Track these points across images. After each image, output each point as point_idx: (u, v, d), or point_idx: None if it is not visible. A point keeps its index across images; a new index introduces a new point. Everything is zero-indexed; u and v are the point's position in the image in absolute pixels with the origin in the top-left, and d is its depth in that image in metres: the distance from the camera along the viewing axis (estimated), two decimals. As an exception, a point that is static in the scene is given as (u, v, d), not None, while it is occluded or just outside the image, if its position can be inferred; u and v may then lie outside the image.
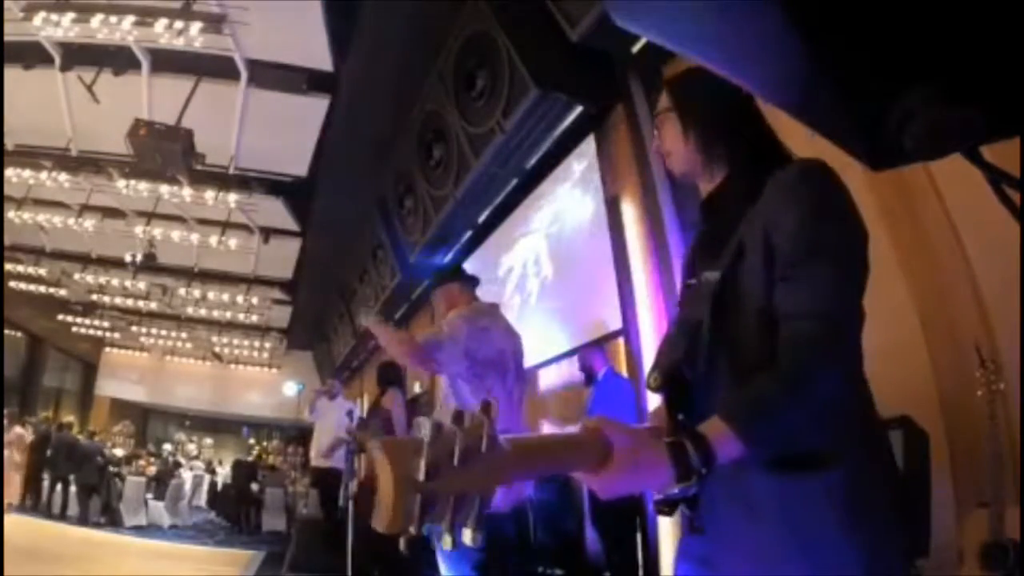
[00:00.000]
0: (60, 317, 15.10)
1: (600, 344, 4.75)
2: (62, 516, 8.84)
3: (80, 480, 9.13)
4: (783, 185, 1.02)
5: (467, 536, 0.68)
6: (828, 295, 0.93)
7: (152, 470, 11.10)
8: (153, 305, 13.60)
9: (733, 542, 0.99)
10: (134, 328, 16.03)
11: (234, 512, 11.16)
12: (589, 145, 5.00)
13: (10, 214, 9.07)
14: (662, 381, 1.05)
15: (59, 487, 9.25)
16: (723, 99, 1.15)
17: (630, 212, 4.48)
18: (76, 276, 12.08)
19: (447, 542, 0.68)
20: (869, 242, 1.01)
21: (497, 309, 2.78)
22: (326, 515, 5.99)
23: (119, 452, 11.50)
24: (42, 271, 12.07)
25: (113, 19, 5.37)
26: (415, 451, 0.65)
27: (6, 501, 8.15)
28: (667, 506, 0.99)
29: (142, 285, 12.38)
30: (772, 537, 0.94)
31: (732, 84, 1.13)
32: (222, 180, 7.92)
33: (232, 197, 8.14)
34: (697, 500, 1.01)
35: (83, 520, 8.82)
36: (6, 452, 9.13)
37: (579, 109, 4.93)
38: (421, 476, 0.64)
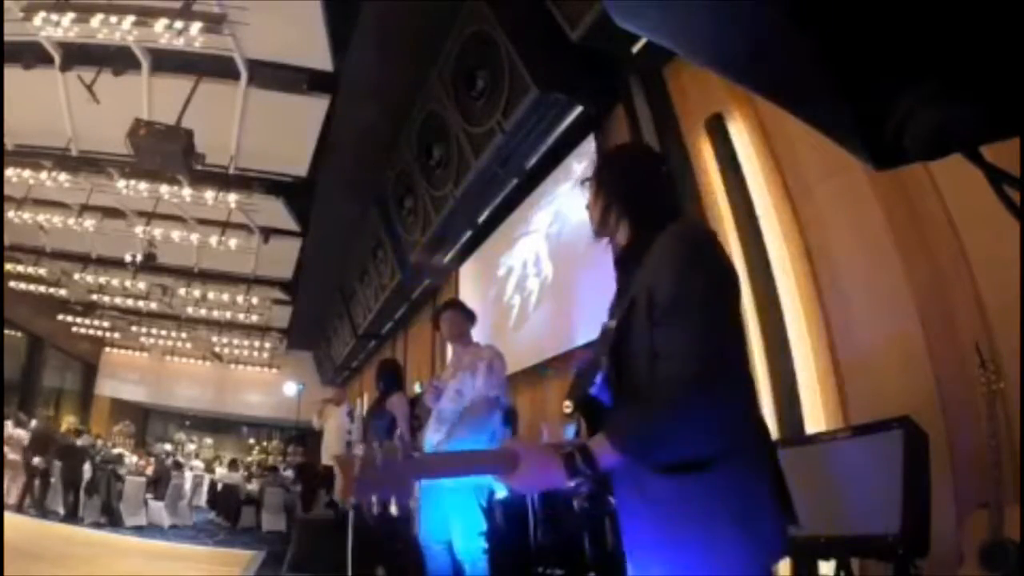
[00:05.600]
0: (60, 317, 15.10)
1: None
2: (40, 511, 8.81)
3: (64, 476, 9.11)
4: (661, 246, 1.25)
5: (392, 508, 1.12)
6: (692, 338, 1.14)
7: (151, 470, 11.08)
8: (153, 305, 13.60)
9: (640, 532, 1.24)
10: (134, 328, 16.03)
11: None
12: (589, 145, 5.00)
13: (10, 214, 9.06)
14: (573, 409, 1.29)
15: (51, 484, 9.21)
16: (630, 174, 1.45)
17: (630, 212, 4.47)
18: (76, 276, 12.08)
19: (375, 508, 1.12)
20: (737, 289, 1.26)
21: None
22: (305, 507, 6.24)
23: (117, 451, 11.48)
24: (42, 271, 12.07)
25: (113, 19, 5.37)
26: (353, 462, 1.13)
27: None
28: (590, 501, 1.27)
29: (142, 285, 12.38)
30: (668, 527, 1.18)
31: (643, 160, 1.52)
32: (222, 180, 7.92)
33: (232, 197, 8.14)
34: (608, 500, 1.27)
35: (70, 517, 8.81)
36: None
37: (579, 109, 4.93)
38: (355, 474, 1.11)
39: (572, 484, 1.16)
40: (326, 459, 6.64)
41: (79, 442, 10.05)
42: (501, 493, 3.21)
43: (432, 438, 3.25)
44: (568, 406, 1.29)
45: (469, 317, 3.58)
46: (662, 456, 1.15)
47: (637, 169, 1.47)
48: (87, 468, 9.34)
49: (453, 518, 3.09)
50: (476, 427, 3.12)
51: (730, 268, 1.26)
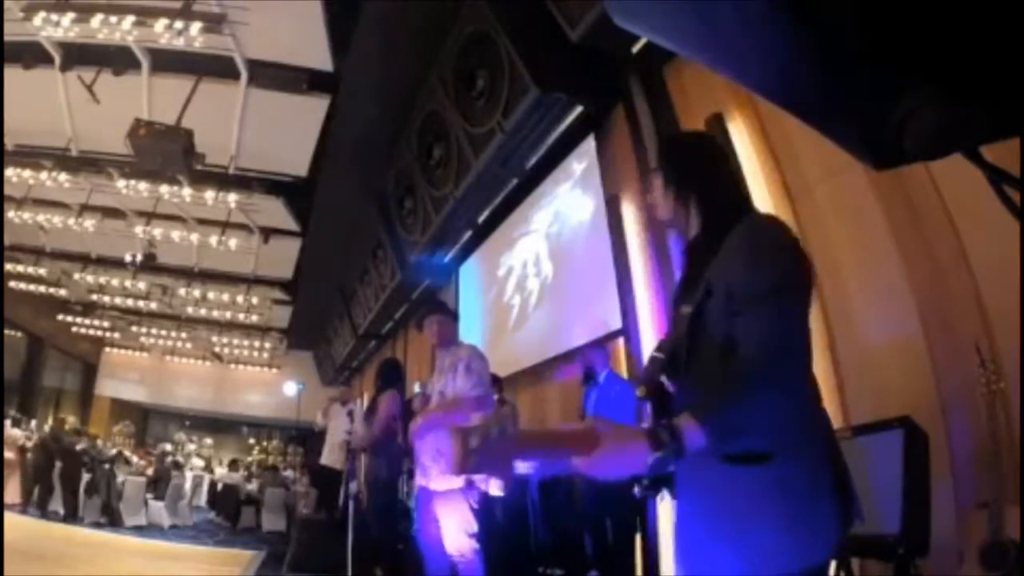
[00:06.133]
0: (60, 317, 15.10)
1: (600, 344, 4.75)
2: (41, 511, 8.81)
3: (63, 476, 9.10)
4: (738, 239, 1.27)
5: (494, 487, 1.86)
6: (768, 329, 1.17)
7: (151, 470, 11.06)
8: (153, 305, 13.60)
9: (693, 520, 1.28)
10: (134, 328, 16.03)
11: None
12: (589, 145, 5.00)
13: (10, 214, 9.06)
14: (647, 392, 1.32)
15: (50, 484, 9.19)
16: (700, 161, 1.44)
17: (630, 212, 4.48)
18: (76, 276, 12.08)
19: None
20: (811, 283, 1.27)
21: None
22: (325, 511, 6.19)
23: (117, 451, 11.46)
24: (42, 271, 12.07)
25: (113, 19, 5.37)
26: (470, 435, 1.13)
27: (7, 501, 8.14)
28: (651, 489, 1.29)
29: (142, 285, 12.38)
30: (719, 517, 1.21)
31: (712, 147, 1.49)
32: (222, 180, 7.92)
33: (232, 197, 8.13)
34: (671, 487, 1.30)
35: (70, 517, 8.81)
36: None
37: (579, 109, 4.93)
38: (473, 445, 1.12)
39: (653, 459, 1.14)
40: (327, 459, 6.60)
41: (79, 442, 10.04)
42: (494, 492, 3.21)
43: (427, 440, 3.25)
44: (641, 390, 1.32)
45: (455, 320, 3.55)
46: (737, 444, 1.17)
47: (706, 159, 1.46)
48: (87, 468, 9.33)
49: (443, 518, 3.08)
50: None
51: (805, 263, 1.28)
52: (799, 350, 1.20)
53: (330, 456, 6.53)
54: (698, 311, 1.27)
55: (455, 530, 3.03)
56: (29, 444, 9.51)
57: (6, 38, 5.92)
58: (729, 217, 1.32)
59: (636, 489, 1.32)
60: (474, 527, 3.04)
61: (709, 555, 1.23)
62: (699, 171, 1.43)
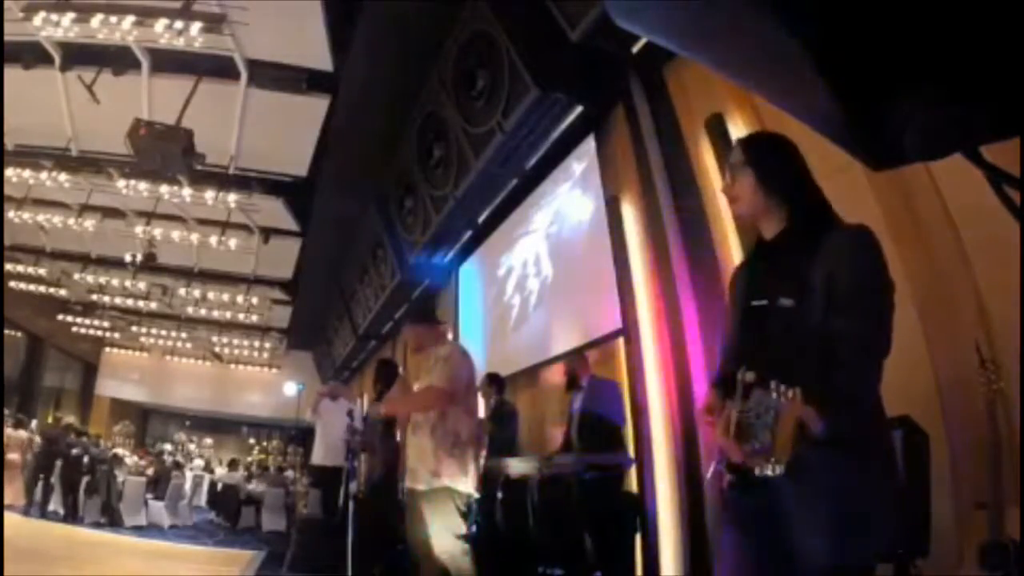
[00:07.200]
0: (60, 317, 15.11)
1: (598, 344, 4.77)
2: (41, 512, 8.82)
3: (63, 476, 9.10)
4: (843, 244, 1.39)
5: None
6: (870, 326, 1.32)
7: (151, 470, 11.06)
8: (153, 305, 13.60)
9: (794, 504, 1.32)
10: (134, 328, 16.03)
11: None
12: (589, 145, 5.00)
13: (10, 214, 9.06)
14: (757, 377, 1.35)
15: (50, 485, 9.19)
16: (794, 165, 1.53)
17: (630, 212, 4.47)
18: (76, 276, 12.08)
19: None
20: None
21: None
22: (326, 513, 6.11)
23: (117, 451, 11.47)
24: (42, 271, 12.07)
25: (113, 19, 5.37)
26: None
27: (9, 501, 8.14)
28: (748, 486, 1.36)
29: (142, 285, 12.38)
30: (822, 497, 1.28)
31: (798, 152, 1.54)
32: (222, 180, 7.92)
33: (232, 197, 8.14)
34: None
35: (70, 517, 8.82)
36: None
37: (579, 109, 4.93)
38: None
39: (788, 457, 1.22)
40: (321, 459, 6.45)
41: (79, 442, 10.05)
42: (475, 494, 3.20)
43: (410, 441, 3.26)
44: (752, 376, 1.35)
45: (431, 325, 3.53)
46: (837, 428, 1.25)
47: (798, 163, 1.54)
48: (87, 468, 9.33)
49: (430, 520, 3.08)
50: (433, 420, 3.13)
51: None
52: (889, 347, 1.33)
53: (326, 456, 6.36)
54: (798, 304, 1.37)
55: (442, 532, 3.03)
56: (33, 444, 9.52)
57: (6, 38, 5.91)
58: (819, 220, 1.43)
59: (729, 486, 1.41)
60: (461, 528, 3.04)
61: (804, 541, 1.30)
62: (794, 175, 1.52)
